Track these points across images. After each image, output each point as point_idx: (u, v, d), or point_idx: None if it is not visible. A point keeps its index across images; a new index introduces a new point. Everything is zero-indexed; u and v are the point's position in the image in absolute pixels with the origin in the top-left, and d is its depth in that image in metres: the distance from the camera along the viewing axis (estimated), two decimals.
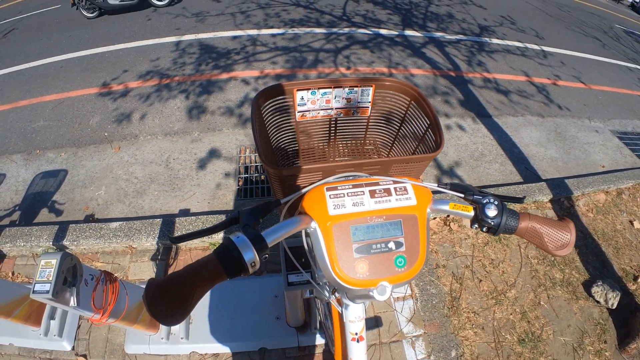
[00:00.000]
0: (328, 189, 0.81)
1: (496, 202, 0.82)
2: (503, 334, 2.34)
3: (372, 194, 0.81)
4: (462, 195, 0.86)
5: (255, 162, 3.41)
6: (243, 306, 2.27)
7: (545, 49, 6.52)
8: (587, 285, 2.63)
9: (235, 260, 0.68)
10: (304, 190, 0.87)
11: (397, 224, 0.80)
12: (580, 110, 4.91)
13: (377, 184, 0.83)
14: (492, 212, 0.81)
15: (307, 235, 1.10)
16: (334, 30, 6.00)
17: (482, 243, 2.79)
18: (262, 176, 3.27)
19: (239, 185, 3.19)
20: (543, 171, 3.72)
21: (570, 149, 4.10)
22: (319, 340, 2.17)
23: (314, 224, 0.80)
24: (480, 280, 2.59)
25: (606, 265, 2.82)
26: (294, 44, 5.46)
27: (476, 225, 0.84)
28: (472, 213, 0.84)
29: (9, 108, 4.40)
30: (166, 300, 0.61)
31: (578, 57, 6.56)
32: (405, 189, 0.83)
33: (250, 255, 0.68)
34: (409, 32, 6.20)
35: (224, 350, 2.15)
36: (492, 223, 0.81)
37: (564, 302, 2.55)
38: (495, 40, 6.39)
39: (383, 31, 6.12)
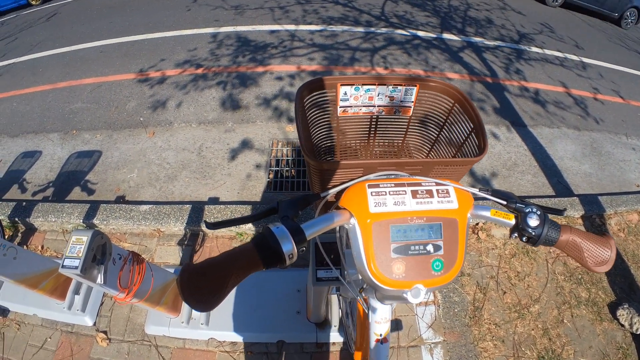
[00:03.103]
0: (370, 186, 0.81)
1: (538, 212, 0.80)
2: (523, 349, 2.29)
3: (414, 194, 0.80)
4: (505, 203, 0.85)
5: (287, 156, 3.42)
6: (265, 298, 2.29)
7: (585, 60, 6.32)
8: (613, 307, 2.54)
9: (273, 250, 0.68)
10: (345, 185, 0.86)
11: (437, 227, 0.78)
12: (618, 126, 4.75)
13: (419, 184, 0.82)
14: (534, 222, 0.79)
15: (340, 231, 1.09)
16: (372, 29, 5.95)
17: (509, 255, 2.73)
18: (292, 170, 3.28)
19: (269, 178, 3.21)
20: (576, 186, 3.61)
21: (605, 165, 3.98)
22: (338, 338, 2.17)
23: (353, 220, 0.79)
24: (505, 292, 2.54)
25: (634, 288, 2.72)
26: (331, 42, 5.45)
27: (516, 234, 0.83)
28: (513, 221, 0.83)
29: (48, 88, 4.54)
30: (200, 286, 0.62)
31: (618, 70, 6.34)
32: (448, 192, 0.81)
33: (289, 247, 0.68)
34: (447, 36, 6.11)
35: (242, 339, 2.17)
36: (533, 233, 0.79)
37: (587, 322, 2.47)
38: (534, 49, 6.24)
39: (421, 33, 6.05)
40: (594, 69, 6.10)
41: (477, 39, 6.18)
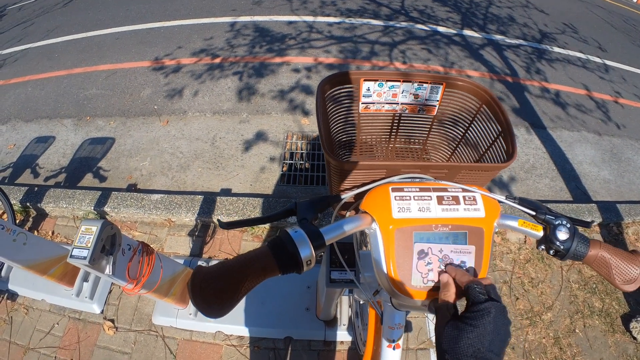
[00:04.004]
0: (394, 190, 0.76)
1: (568, 225, 0.76)
2: (533, 357, 2.26)
3: (440, 200, 0.75)
4: (534, 214, 0.80)
5: (301, 150, 3.39)
6: (274, 293, 2.26)
7: (608, 62, 6.16)
8: (626, 319, 2.49)
9: (291, 255, 0.64)
10: (367, 187, 0.82)
11: (462, 236, 0.74)
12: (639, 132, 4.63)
13: (445, 190, 0.77)
14: (563, 235, 0.75)
15: (357, 232, 1.05)
16: (391, 23, 5.86)
17: (524, 260, 2.67)
18: (306, 164, 3.24)
19: (283, 171, 3.19)
20: (594, 192, 3.53)
21: (624, 172, 3.87)
22: (346, 337, 2.15)
23: (374, 226, 0.75)
24: (517, 298, 2.49)
25: None
26: (350, 34, 5.38)
27: (543, 247, 0.79)
28: (541, 233, 0.79)
29: (64, 74, 4.55)
30: (213, 291, 0.59)
31: None
32: (474, 199, 0.77)
33: (307, 252, 0.64)
34: (467, 32, 6.00)
35: (250, 334, 2.16)
36: (562, 247, 0.75)
37: (599, 333, 2.43)
38: (556, 49, 6.10)
39: (441, 29, 5.94)
40: (617, 72, 5.95)
41: (499, 37, 6.06)
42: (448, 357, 0.56)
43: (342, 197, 0.84)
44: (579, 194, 3.45)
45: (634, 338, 2.41)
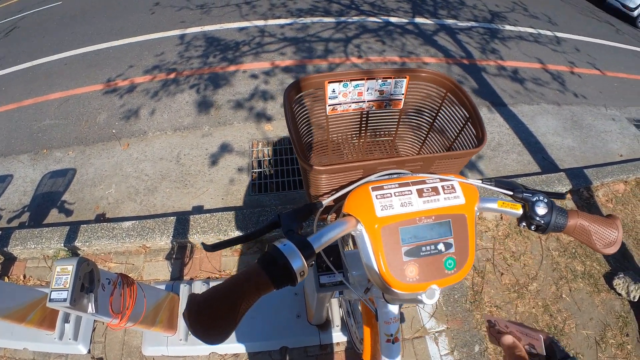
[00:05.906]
0: (374, 189, 0.77)
1: (546, 200, 0.79)
2: None
3: (420, 193, 0.77)
4: (511, 193, 0.83)
5: (268, 156, 3.35)
6: (263, 305, 2.23)
7: (559, 34, 6.39)
8: (609, 278, 2.58)
9: (283, 269, 0.63)
10: (346, 190, 0.82)
11: (446, 224, 0.76)
12: (596, 98, 4.81)
13: (423, 182, 0.79)
14: (541, 210, 0.78)
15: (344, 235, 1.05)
16: (343, 19, 5.89)
17: (503, 235, 2.73)
18: (275, 170, 3.22)
19: (252, 180, 3.14)
20: (561, 161, 3.64)
21: (587, 138, 4.02)
22: (341, 338, 2.14)
23: (360, 227, 0.75)
24: (502, 274, 2.55)
25: (627, 257, 2.78)
26: (303, 34, 5.37)
27: (524, 224, 0.82)
28: (520, 211, 0.82)
29: (13, 107, 4.35)
30: (210, 317, 0.57)
31: (592, 42, 6.42)
32: (453, 187, 0.79)
33: (299, 264, 0.63)
34: (419, 20, 6.09)
35: (245, 349, 2.13)
36: (542, 222, 0.78)
37: (585, 294, 2.51)
38: (507, 27, 6.27)
39: (393, 19, 6.01)
40: (569, 43, 6.17)
41: (450, 21, 6.18)
42: None
43: (324, 202, 0.83)
44: (547, 165, 3.56)
45: (619, 294, 2.50)
